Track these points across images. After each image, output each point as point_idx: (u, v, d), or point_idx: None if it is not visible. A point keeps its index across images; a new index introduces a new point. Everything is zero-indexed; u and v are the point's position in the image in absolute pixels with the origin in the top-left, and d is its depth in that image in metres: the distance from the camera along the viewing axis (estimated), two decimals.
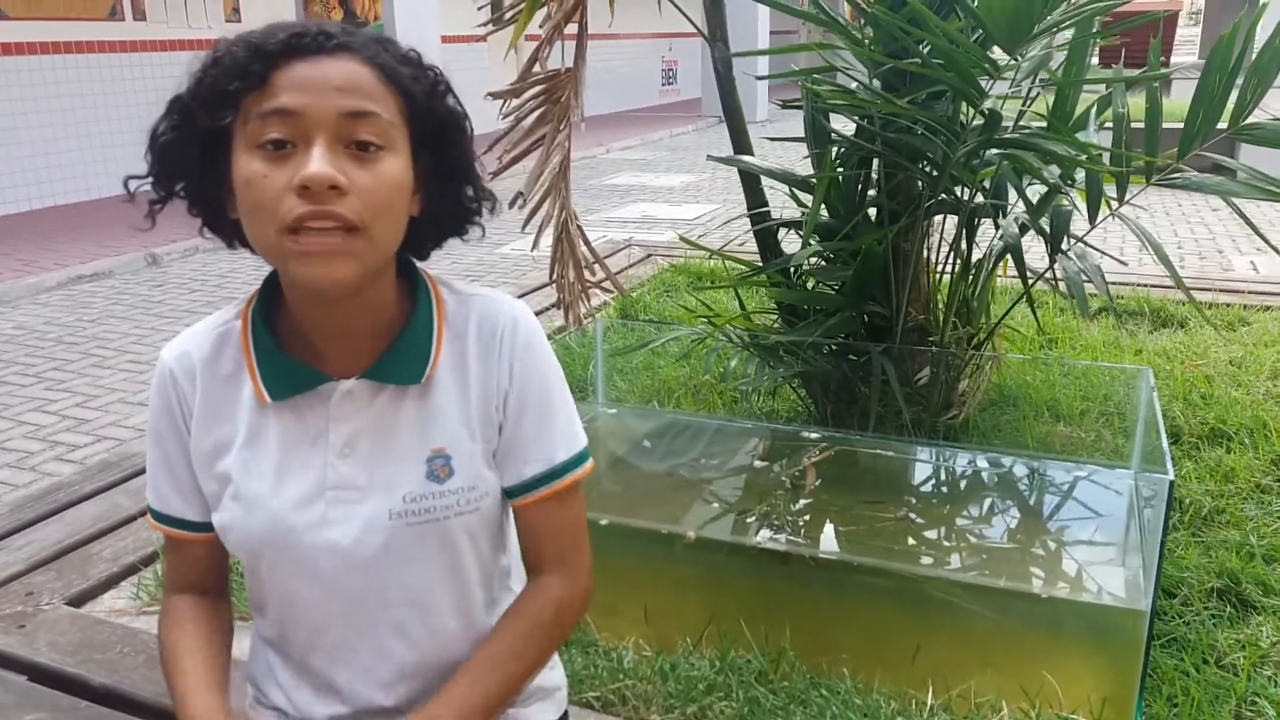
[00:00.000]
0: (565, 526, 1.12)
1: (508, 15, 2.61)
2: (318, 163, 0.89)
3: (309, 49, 0.92)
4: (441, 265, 6.19)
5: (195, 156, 0.96)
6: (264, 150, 0.91)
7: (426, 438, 1.04)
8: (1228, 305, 4.10)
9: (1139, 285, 4.37)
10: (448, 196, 1.04)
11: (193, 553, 1.11)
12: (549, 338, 1.19)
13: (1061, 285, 2.66)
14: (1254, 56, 2.28)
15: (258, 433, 1.04)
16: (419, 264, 1.10)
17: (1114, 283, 2.61)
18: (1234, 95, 2.34)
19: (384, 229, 0.95)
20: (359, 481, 1.02)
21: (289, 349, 1.03)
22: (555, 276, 2.60)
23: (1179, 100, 2.79)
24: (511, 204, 2.39)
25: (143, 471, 1.10)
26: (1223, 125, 2.38)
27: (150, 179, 0.99)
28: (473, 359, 1.06)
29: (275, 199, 0.90)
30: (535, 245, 2.59)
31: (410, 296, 1.06)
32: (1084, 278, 2.49)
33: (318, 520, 1.02)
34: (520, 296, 4.42)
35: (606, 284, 2.65)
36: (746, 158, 2.72)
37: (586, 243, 2.60)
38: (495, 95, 2.51)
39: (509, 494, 1.09)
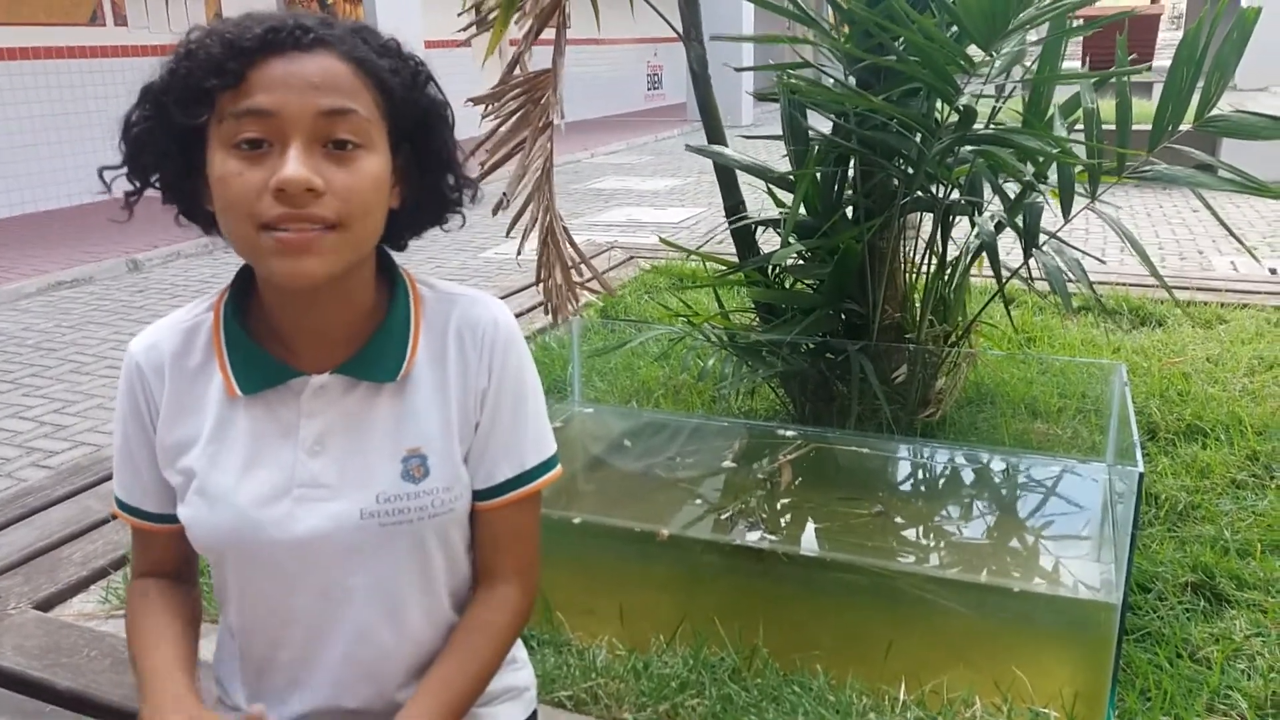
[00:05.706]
0: (527, 533, 1.11)
1: (489, 18, 2.59)
2: (294, 166, 0.88)
3: (285, 45, 0.90)
4: (425, 269, 6.17)
5: (169, 149, 0.94)
6: (239, 150, 0.89)
7: (401, 437, 1.02)
8: (1205, 303, 4.12)
9: (1118, 284, 4.39)
10: (428, 187, 1.03)
11: (158, 542, 1.10)
12: (529, 339, 1.18)
13: (1039, 282, 2.66)
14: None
15: (226, 426, 1.02)
16: (398, 261, 1.08)
17: (1093, 281, 2.61)
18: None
19: (362, 226, 0.94)
20: (329, 479, 1.01)
21: (262, 343, 1.02)
22: (542, 279, 2.57)
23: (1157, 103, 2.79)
24: (495, 211, 2.37)
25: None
26: (1187, 126, 2.39)
27: (124, 170, 0.97)
28: (452, 358, 1.04)
29: (251, 198, 0.89)
30: (520, 250, 2.57)
31: (388, 293, 1.05)
32: (1065, 272, 2.49)
33: (284, 517, 1.00)
34: (503, 298, 4.42)
35: (593, 284, 2.63)
36: (720, 148, 2.70)
37: (572, 244, 2.58)
38: (476, 101, 2.49)
39: (476, 496, 1.07)
